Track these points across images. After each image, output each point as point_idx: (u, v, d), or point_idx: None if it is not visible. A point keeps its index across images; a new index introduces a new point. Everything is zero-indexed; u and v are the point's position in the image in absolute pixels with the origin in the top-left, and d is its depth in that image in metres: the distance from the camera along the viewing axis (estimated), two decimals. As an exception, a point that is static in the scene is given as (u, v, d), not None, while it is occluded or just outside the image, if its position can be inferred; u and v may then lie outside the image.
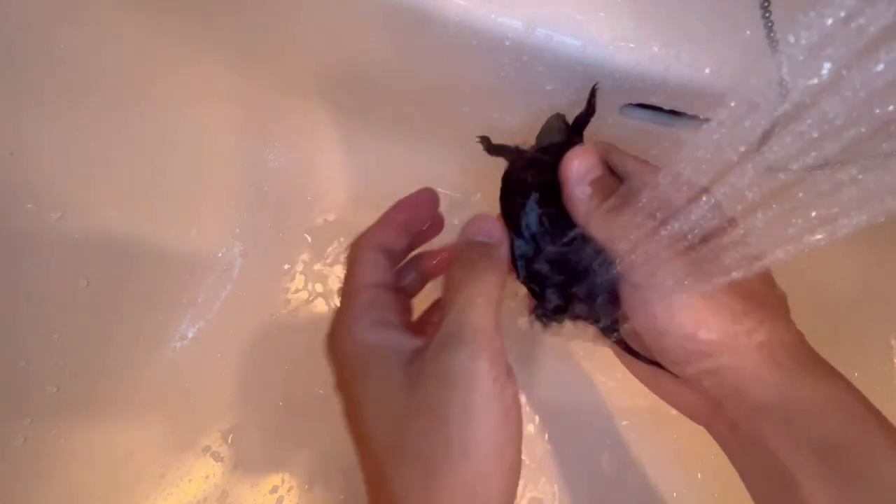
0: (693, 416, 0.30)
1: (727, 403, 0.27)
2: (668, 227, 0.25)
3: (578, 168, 0.29)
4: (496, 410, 0.23)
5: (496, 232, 0.29)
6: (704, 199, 0.24)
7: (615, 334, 0.31)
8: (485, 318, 0.24)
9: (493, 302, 0.25)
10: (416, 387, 0.23)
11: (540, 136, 0.34)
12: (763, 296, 0.27)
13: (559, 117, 0.34)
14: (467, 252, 0.28)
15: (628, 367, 0.33)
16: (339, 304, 0.28)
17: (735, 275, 0.24)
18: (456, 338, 0.23)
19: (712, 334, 0.25)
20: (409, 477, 0.22)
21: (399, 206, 0.32)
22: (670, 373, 0.29)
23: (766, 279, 0.28)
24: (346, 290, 0.28)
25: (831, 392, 0.25)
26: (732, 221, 0.25)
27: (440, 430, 0.22)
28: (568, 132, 0.33)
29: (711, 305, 0.25)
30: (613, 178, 0.30)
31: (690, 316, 0.25)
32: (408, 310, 0.31)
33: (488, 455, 0.22)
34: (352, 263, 0.28)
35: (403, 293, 0.32)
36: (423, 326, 0.32)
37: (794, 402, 0.25)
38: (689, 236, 0.25)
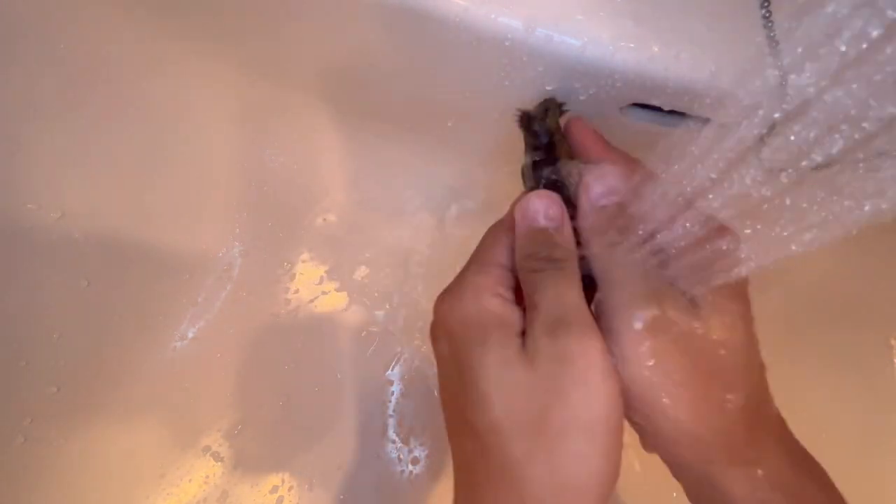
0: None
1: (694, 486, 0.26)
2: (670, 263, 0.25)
3: (597, 192, 0.27)
4: (614, 388, 0.23)
5: (553, 211, 0.27)
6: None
7: None
8: (582, 303, 0.24)
9: (578, 285, 0.25)
10: (534, 363, 0.23)
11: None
12: (730, 371, 0.25)
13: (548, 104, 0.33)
14: (533, 244, 0.26)
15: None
16: (463, 273, 0.27)
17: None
18: (566, 321, 0.23)
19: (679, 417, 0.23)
20: (530, 450, 0.22)
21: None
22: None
23: (748, 350, 0.25)
24: (480, 261, 0.27)
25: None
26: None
27: (563, 408, 0.22)
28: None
29: (680, 380, 0.23)
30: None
31: (660, 391, 0.23)
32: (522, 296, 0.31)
33: (609, 433, 0.22)
34: (489, 241, 0.28)
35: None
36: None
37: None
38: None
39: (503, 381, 0.23)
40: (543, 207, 0.27)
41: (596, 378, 0.22)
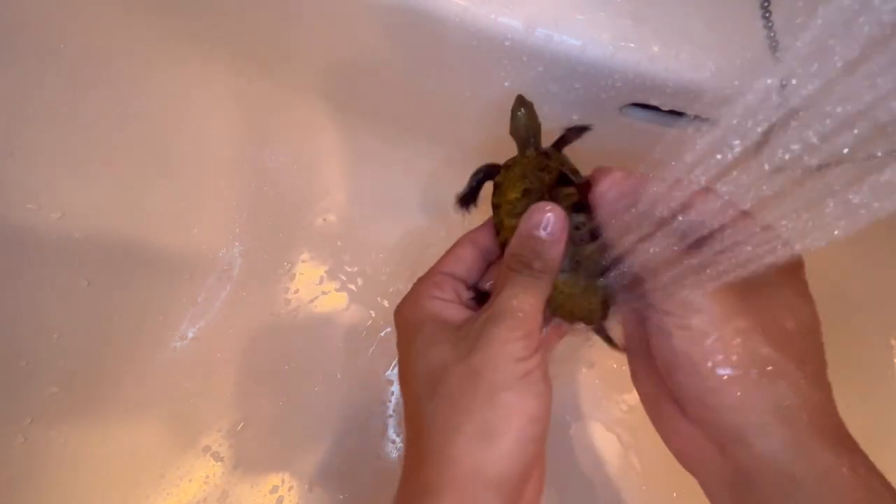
0: (687, 456, 0.29)
1: (730, 448, 0.26)
2: (698, 252, 0.25)
3: (610, 197, 0.28)
4: (521, 370, 0.26)
5: (553, 226, 0.29)
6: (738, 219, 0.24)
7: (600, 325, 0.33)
8: (527, 305, 0.27)
9: (540, 297, 0.28)
10: (457, 346, 0.27)
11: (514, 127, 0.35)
12: (798, 344, 0.26)
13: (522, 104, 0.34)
14: (522, 249, 0.29)
15: (638, 390, 0.33)
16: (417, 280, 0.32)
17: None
18: (498, 314, 0.27)
19: (727, 373, 0.25)
20: (438, 411, 0.27)
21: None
22: (677, 406, 0.28)
23: (809, 324, 0.28)
24: (430, 270, 0.32)
25: (848, 472, 0.24)
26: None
27: (471, 379, 0.26)
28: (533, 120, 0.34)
29: (734, 344, 0.25)
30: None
31: (708, 350, 0.25)
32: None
33: (510, 401, 0.25)
34: (447, 252, 0.33)
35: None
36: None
37: (805, 470, 0.24)
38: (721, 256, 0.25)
39: (424, 363, 0.28)
40: (546, 220, 0.29)
41: (504, 361, 0.26)
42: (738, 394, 0.25)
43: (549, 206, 0.29)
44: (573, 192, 0.31)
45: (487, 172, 0.34)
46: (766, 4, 0.31)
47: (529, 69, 0.35)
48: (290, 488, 0.48)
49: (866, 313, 0.45)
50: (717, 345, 0.25)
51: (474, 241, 0.33)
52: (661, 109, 0.35)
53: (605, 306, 0.32)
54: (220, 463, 0.48)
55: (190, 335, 0.51)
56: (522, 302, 0.27)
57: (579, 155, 0.34)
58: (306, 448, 0.49)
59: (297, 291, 0.53)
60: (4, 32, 0.40)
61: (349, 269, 0.54)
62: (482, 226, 0.34)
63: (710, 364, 0.25)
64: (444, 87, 0.42)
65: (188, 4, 0.43)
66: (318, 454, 0.49)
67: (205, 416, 0.49)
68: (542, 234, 0.29)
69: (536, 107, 0.34)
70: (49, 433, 0.44)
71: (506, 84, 0.37)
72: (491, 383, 0.26)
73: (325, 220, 0.55)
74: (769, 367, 0.25)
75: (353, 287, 0.54)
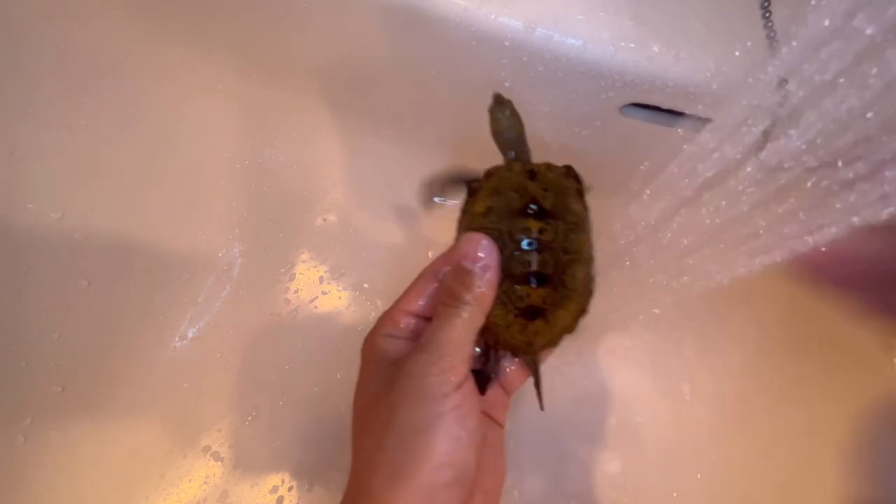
0: None
1: None
2: None
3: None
4: (435, 411, 0.26)
5: (483, 259, 0.29)
6: None
7: None
8: (452, 338, 0.27)
9: (465, 331, 0.28)
10: (385, 382, 0.27)
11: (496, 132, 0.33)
12: None
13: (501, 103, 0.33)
14: (452, 281, 0.29)
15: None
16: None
17: None
18: (419, 348, 0.27)
19: None
20: (364, 447, 0.27)
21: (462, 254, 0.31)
22: None
23: None
24: (391, 306, 0.32)
25: None
26: None
27: (389, 417, 0.26)
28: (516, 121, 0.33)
29: None
30: None
31: None
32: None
33: (417, 445, 0.25)
34: (409, 286, 0.32)
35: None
36: None
37: None
38: None
39: (361, 400, 0.29)
40: (472, 251, 0.29)
41: (419, 400, 0.26)
42: None
43: (478, 236, 0.29)
44: (534, 225, 0.29)
45: (467, 180, 0.33)
46: (766, 4, 0.31)
47: (529, 69, 0.35)
48: (290, 488, 0.48)
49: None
50: None
51: (435, 272, 0.32)
52: (662, 109, 0.35)
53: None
54: (220, 463, 0.48)
55: (190, 335, 0.51)
56: (448, 335, 0.27)
57: (579, 155, 0.34)
58: (306, 448, 0.49)
59: (297, 291, 0.53)
60: (5, 33, 0.40)
61: (349, 269, 0.54)
62: (445, 254, 0.32)
63: None
64: (445, 88, 0.42)
65: (189, 7, 0.43)
66: (318, 454, 0.49)
67: (205, 416, 0.49)
68: (470, 265, 0.29)
69: (536, 107, 0.34)
70: (49, 433, 0.44)
71: (506, 84, 0.37)
72: (403, 423, 0.26)
73: (325, 220, 0.55)
74: None
75: (352, 287, 0.54)
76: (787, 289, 0.45)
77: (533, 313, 0.30)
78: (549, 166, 0.32)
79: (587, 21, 0.32)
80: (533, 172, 0.31)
